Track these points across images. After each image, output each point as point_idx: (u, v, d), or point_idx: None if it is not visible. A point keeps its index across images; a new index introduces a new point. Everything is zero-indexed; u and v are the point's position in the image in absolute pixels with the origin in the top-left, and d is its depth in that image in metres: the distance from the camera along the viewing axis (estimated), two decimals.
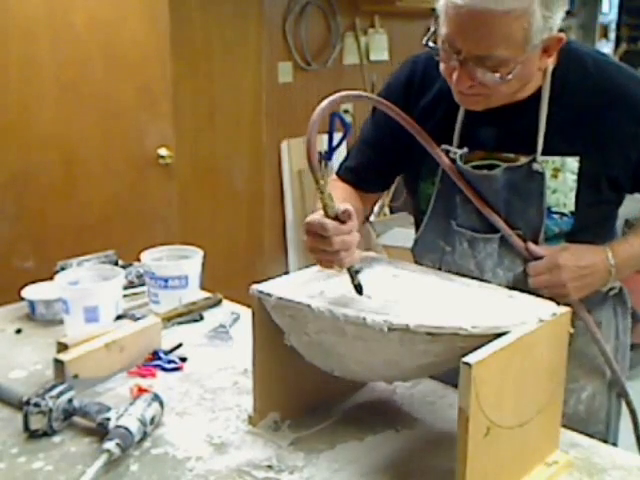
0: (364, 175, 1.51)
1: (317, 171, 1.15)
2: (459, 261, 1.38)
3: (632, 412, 1.47)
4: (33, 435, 1.23)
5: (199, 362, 1.53)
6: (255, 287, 1.21)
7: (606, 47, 8.44)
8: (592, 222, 1.34)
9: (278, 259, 4.02)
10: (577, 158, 1.27)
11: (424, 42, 1.25)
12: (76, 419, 1.26)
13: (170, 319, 1.68)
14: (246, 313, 1.66)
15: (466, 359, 0.95)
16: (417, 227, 1.48)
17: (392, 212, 4.58)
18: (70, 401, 1.26)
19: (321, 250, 1.15)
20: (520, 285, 1.28)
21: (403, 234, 3.99)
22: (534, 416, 1.09)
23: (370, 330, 1.06)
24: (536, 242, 1.31)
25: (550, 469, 1.13)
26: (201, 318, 1.75)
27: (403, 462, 1.17)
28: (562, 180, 1.27)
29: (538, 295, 1.19)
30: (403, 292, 1.22)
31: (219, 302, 1.83)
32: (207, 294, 1.84)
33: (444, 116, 1.35)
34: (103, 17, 2.86)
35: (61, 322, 1.67)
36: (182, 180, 3.30)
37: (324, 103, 1.22)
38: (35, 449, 1.20)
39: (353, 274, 1.17)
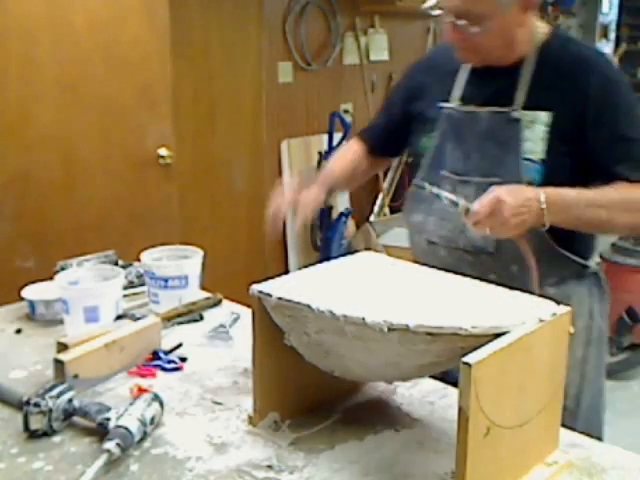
0: (376, 135, 1.81)
1: None
2: (444, 206, 1.52)
3: None
4: (33, 435, 1.23)
5: (199, 362, 1.53)
6: (255, 287, 1.21)
7: (606, 47, 8.44)
8: (562, 174, 1.45)
9: (278, 259, 4.03)
10: (550, 113, 1.46)
11: (428, 5, 1.53)
12: (76, 419, 1.26)
13: (170, 319, 1.68)
14: (246, 313, 1.66)
15: (466, 359, 0.95)
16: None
17: (392, 212, 4.59)
18: (70, 401, 1.26)
19: None
20: None
21: (403, 234, 3.98)
22: (534, 416, 1.09)
23: (370, 330, 1.06)
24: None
25: (550, 469, 1.13)
26: (201, 318, 1.75)
27: (403, 462, 1.17)
28: (534, 130, 1.47)
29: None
30: (403, 292, 1.22)
31: (219, 302, 1.83)
32: (207, 294, 1.84)
33: (448, 81, 1.60)
34: (103, 17, 2.85)
35: (61, 322, 1.67)
36: (182, 180, 3.30)
37: None
38: (35, 449, 1.20)
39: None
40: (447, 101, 1.58)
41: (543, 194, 1.35)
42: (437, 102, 1.60)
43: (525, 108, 1.48)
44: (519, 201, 1.32)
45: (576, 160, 1.46)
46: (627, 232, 1.45)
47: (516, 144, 1.47)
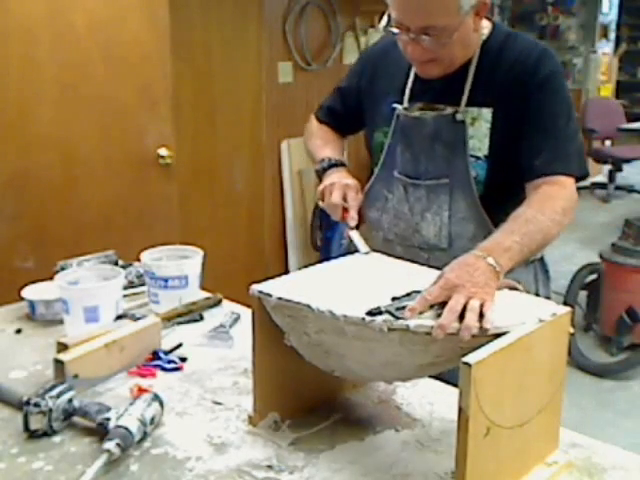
0: (333, 118, 1.82)
1: None
2: (397, 205, 1.61)
3: None
4: (33, 435, 1.23)
5: (199, 362, 1.53)
6: (255, 287, 1.21)
7: (606, 47, 8.44)
8: (505, 169, 1.50)
9: (278, 259, 4.03)
10: (491, 109, 1.50)
11: (382, 26, 1.49)
12: (76, 419, 1.26)
13: (170, 319, 1.68)
14: (246, 313, 1.66)
15: (466, 359, 0.95)
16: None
17: None
18: (70, 401, 1.26)
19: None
20: (444, 229, 1.54)
21: None
22: (534, 416, 1.09)
23: (370, 330, 1.06)
24: (466, 190, 1.51)
25: (550, 469, 1.13)
26: (201, 318, 1.75)
27: (403, 462, 1.17)
28: (478, 127, 1.51)
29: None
30: (403, 291, 1.22)
31: (219, 302, 1.83)
32: (207, 294, 1.84)
33: (400, 77, 1.61)
34: (103, 17, 2.85)
35: (61, 322, 1.67)
36: (182, 180, 3.29)
37: None
38: (35, 449, 1.21)
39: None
40: (399, 98, 1.59)
41: (480, 251, 1.21)
42: (388, 97, 1.60)
43: (469, 105, 1.50)
44: (462, 267, 1.17)
45: (517, 156, 1.49)
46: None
47: (462, 144, 1.51)
